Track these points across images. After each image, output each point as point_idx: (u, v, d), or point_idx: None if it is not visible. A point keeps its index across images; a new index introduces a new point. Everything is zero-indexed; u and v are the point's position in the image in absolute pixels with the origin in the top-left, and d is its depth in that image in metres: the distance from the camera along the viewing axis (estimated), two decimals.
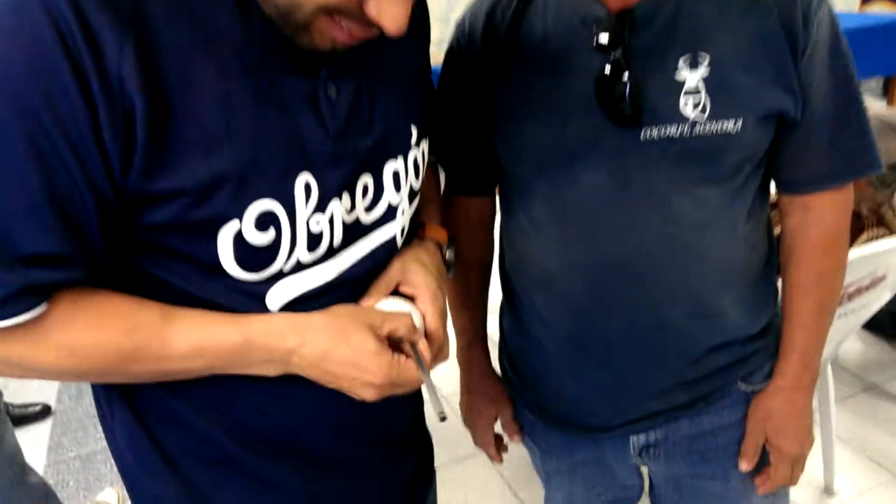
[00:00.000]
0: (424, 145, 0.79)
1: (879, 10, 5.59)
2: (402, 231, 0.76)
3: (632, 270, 0.86)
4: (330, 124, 0.64)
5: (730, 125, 0.79)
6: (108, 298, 0.61)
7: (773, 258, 0.96)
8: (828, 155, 0.86)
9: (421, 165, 0.78)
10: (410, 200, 0.76)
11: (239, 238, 0.59)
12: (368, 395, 0.66)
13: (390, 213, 0.73)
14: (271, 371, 0.65)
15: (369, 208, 0.71)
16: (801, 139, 0.85)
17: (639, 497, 1.14)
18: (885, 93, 5.26)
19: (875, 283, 1.57)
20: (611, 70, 0.80)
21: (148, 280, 0.62)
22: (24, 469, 1.73)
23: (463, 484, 2.09)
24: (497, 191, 1.02)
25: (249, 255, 0.61)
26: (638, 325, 0.88)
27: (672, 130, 0.80)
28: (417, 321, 0.73)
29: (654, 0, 0.80)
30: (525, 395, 1.05)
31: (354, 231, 0.69)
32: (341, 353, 0.64)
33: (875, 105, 1.71)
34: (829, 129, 0.84)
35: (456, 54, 0.93)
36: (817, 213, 0.90)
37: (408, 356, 0.68)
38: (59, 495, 2.00)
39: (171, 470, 0.72)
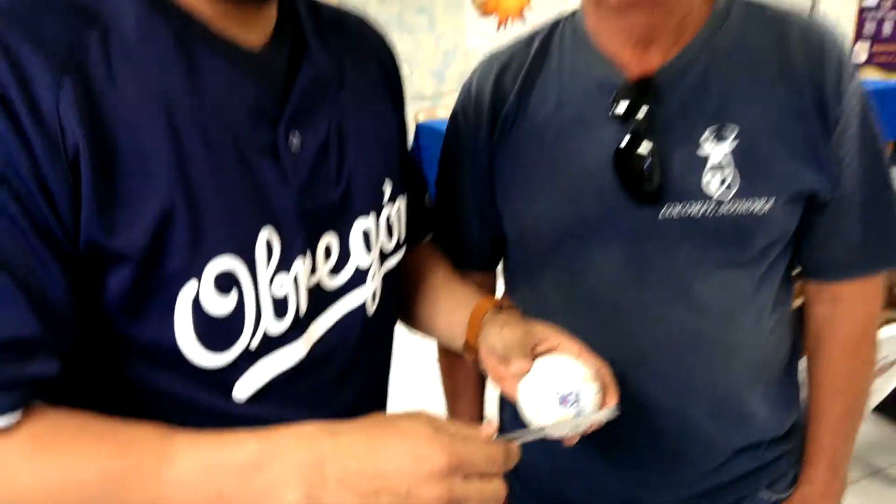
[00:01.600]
0: (401, 202, 0.72)
1: (871, 77, 5.72)
2: (374, 296, 0.68)
3: (651, 365, 0.76)
4: (292, 177, 0.58)
5: (758, 205, 0.72)
6: (91, 416, 0.50)
7: (797, 351, 0.87)
8: (859, 240, 0.78)
9: (395, 225, 0.70)
10: (382, 262, 0.69)
11: (198, 306, 0.52)
12: (432, 493, 0.48)
13: (359, 277, 0.65)
14: (292, 495, 0.48)
15: (334, 271, 0.63)
16: (830, 222, 0.77)
17: None
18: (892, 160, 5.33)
19: (885, 368, 1.49)
20: (629, 142, 0.72)
21: (119, 384, 0.54)
22: None
23: None
24: (501, 267, 0.93)
25: (211, 329, 0.53)
26: (657, 425, 0.78)
27: (695, 209, 0.73)
28: (589, 374, 0.63)
29: (678, 67, 0.73)
30: (524, 500, 0.94)
31: (318, 298, 0.61)
32: (391, 445, 0.48)
33: None
34: (860, 212, 0.77)
35: (461, 120, 0.85)
36: (847, 305, 0.82)
37: None
38: None
39: None
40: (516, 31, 6.18)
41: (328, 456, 0.48)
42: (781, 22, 0.74)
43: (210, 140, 0.53)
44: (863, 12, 5.75)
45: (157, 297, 0.51)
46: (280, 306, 0.56)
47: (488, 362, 0.70)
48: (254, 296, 0.55)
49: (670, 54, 0.73)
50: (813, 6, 7.24)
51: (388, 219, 0.69)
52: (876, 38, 5.78)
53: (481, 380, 0.98)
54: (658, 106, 0.72)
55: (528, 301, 0.83)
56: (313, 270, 0.61)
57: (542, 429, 0.60)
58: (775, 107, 0.72)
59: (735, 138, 0.71)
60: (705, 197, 0.72)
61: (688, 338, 0.76)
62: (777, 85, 0.72)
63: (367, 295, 0.66)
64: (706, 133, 0.72)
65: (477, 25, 5.69)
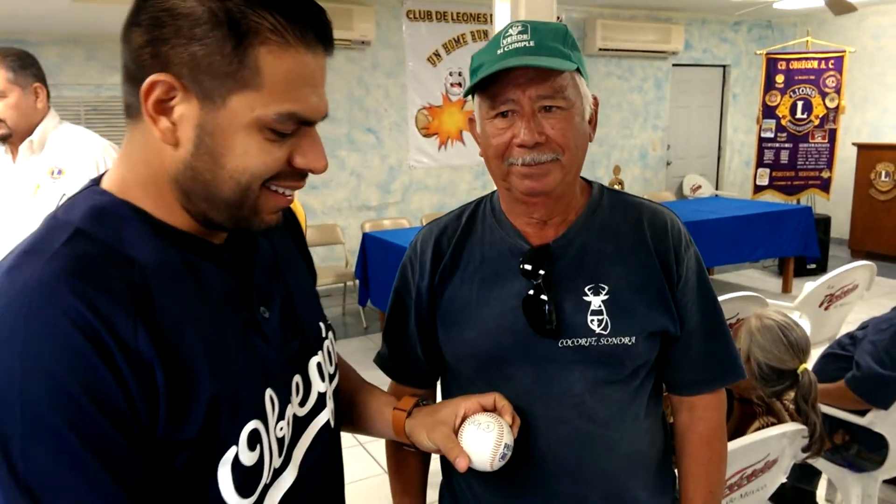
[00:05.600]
0: (331, 334, 0.90)
1: (770, 198, 6.40)
2: (333, 414, 0.85)
3: (555, 458, 0.99)
4: (272, 340, 0.74)
5: (626, 340, 0.98)
6: None
7: (669, 447, 1.11)
8: (702, 364, 1.06)
9: (332, 352, 0.88)
10: (331, 383, 0.86)
11: (236, 463, 0.66)
12: None
13: (321, 400, 0.82)
14: None
15: (302, 403, 0.79)
16: (682, 352, 1.05)
17: None
18: (781, 272, 5.88)
19: (769, 465, 1.75)
20: (534, 293, 0.99)
21: None
22: None
23: None
24: (440, 383, 1.16)
25: (245, 478, 0.67)
26: None
27: (583, 341, 0.98)
28: (506, 425, 0.90)
29: (565, 239, 1.01)
30: None
31: (295, 426, 0.77)
32: None
33: (775, 309, 2.00)
34: (701, 342, 1.05)
35: (409, 270, 1.10)
36: (699, 412, 1.08)
37: None
38: None
39: None
40: (456, 150, 6.59)
41: None
42: (636, 209, 1.05)
43: (220, 332, 0.67)
44: (762, 142, 6.51)
45: (208, 463, 0.64)
46: (280, 444, 0.72)
47: (429, 450, 0.94)
48: (268, 444, 0.69)
49: (559, 230, 1.01)
50: (721, 132, 8.05)
51: (328, 349, 0.86)
52: (775, 166, 6.50)
53: (424, 478, 1.18)
54: (553, 267, 1.00)
55: None
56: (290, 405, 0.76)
57: None
58: (634, 270, 1.00)
59: (606, 294, 0.99)
60: (590, 332, 0.98)
61: (581, 437, 0.99)
62: (634, 254, 1.01)
63: (329, 413, 0.84)
64: (586, 289, 0.99)
65: (419, 144, 6.15)
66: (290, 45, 0.64)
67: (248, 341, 0.71)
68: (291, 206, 1.35)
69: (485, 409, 0.92)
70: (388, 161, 6.06)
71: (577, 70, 0.94)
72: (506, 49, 0.93)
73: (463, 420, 0.91)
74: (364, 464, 3.02)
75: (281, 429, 0.72)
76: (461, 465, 0.86)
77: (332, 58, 0.70)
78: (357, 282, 4.87)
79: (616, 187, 6.83)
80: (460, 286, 1.05)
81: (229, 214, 0.68)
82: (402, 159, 6.12)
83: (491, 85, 0.94)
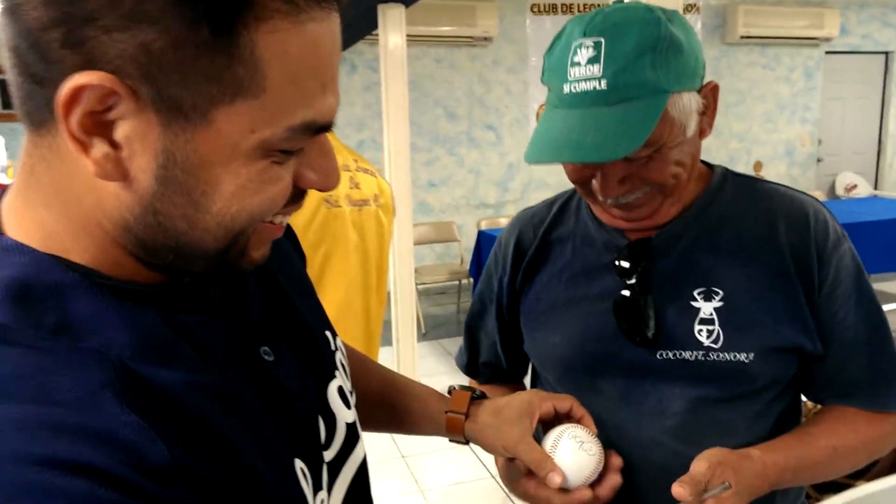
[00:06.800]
0: (339, 341, 0.70)
1: None
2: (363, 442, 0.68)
3: (648, 485, 0.83)
4: (284, 381, 0.55)
5: (742, 356, 0.80)
6: None
7: (802, 486, 0.92)
8: (861, 385, 0.85)
9: (346, 363, 0.69)
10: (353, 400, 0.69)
11: None
12: None
13: (352, 434, 0.63)
14: None
15: (327, 445, 0.59)
16: (832, 371, 0.84)
17: None
18: None
19: None
20: (629, 293, 0.84)
21: None
22: None
23: None
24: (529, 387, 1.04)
25: None
26: None
27: (687, 354, 0.82)
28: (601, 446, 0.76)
29: (672, 233, 0.85)
30: None
31: (329, 478, 0.59)
32: None
33: None
34: (860, 359, 0.84)
35: (492, 265, 1.01)
36: (851, 424, 0.85)
37: None
38: None
39: None
40: None
41: None
42: (769, 197, 0.86)
43: (236, 401, 0.49)
44: None
45: None
46: None
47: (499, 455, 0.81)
48: None
49: (666, 221, 0.85)
50: (881, 126, 7.24)
51: (341, 362, 0.67)
52: None
53: None
54: (654, 265, 0.84)
55: None
56: None
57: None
58: (759, 273, 0.81)
59: (720, 300, 0.81)
60: (697, 344, 0.81)
61: (680, 464, 0.81)
62: (762, 254, 0.82)
63: (363, 447, 0.65)
64: (695, 293, 0.82)
65: None
66: (299, 12, 0.41)
67: (262, 400, 0.52)
68: (377, 184, 1.21)
69: (558, 414, 0.78)
70: (506, 158, 5.94)
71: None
72: (572, 90, 0.75)
73: (540, 426, 0.78)
74: (472, 467, 2.92)
75: (322, 501, 0.56)
76: (555, 482, 0.72)
77: (453, 55, 0.52)
78: (472, 280, 4.79)
79: None
80: (548, 283, 0.92)
81: (207, 265, 0.48)
82: (522, 157, 5.97)
83: None
